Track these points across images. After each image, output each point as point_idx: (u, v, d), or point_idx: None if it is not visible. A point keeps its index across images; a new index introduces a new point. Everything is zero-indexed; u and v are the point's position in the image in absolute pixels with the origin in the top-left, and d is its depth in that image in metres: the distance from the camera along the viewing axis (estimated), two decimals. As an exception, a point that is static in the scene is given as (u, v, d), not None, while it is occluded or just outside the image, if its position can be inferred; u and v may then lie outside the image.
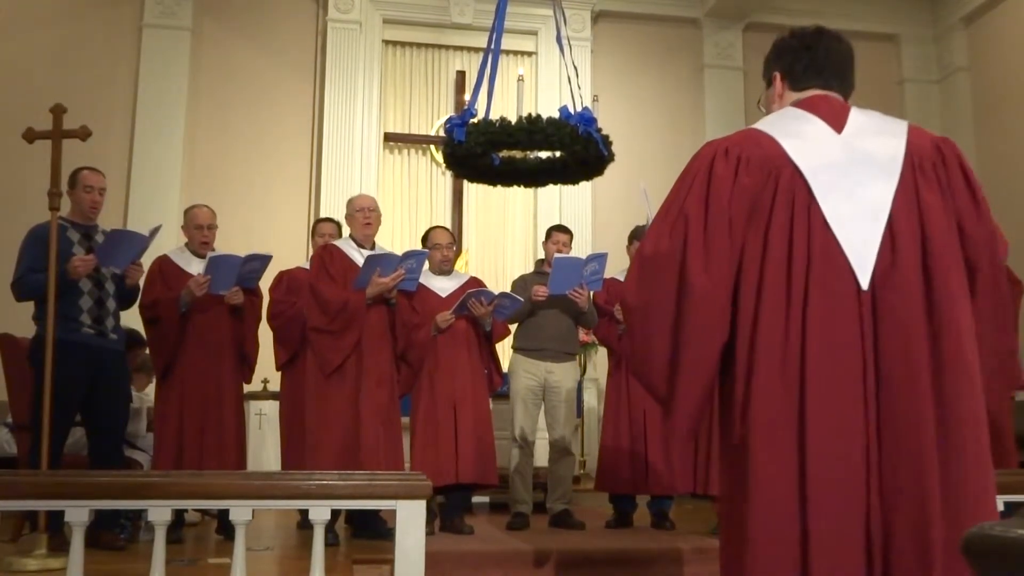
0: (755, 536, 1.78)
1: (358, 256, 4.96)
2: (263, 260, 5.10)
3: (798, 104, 2.04)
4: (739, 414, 1.85)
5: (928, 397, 1.78)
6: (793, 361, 1.80)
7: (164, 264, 5.07)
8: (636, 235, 5.67)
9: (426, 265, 5.33)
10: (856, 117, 2.00)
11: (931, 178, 1.92)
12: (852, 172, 1.90)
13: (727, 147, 1.95)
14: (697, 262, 1.89)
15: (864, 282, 1.82)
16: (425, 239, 5.50)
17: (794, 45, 2.10)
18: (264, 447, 7.10)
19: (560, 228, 5.73)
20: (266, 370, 5.78)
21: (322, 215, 7.44)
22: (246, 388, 5.36)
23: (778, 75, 2.12)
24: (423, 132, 9.04)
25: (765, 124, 2.02)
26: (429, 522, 4.29)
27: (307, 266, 5.40)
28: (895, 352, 1.79)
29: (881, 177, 1.89)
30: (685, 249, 1.90)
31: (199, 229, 5.12)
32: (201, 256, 5.04)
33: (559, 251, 5.50)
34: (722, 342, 1.90)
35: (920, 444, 1.76)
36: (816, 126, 1.97)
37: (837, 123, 1.97)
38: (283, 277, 5.39)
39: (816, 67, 2.07)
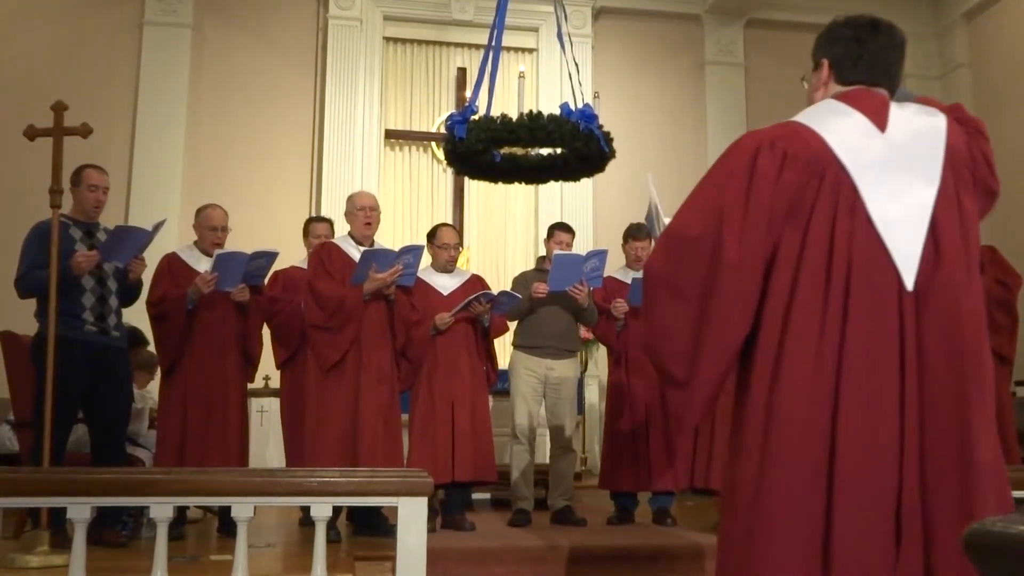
0: (774, 527, 1.78)
1: (356, 254, 4.95)
2: (269, 257, 5.10)
3: (840, 97, 2.03)
4: (764, 404, 1.85)
5: (974, 392, 1.83)
6: (829, 355, 1.81)
7: (173, 262, 5.08)
8: (631, 233, 5.65)
9: (428, 261, 5.32)
10: (897, 113, 1.99)
11: (966, 180, 1.95)
12: (895, 173, 1.91)
13: (772, 140, 1.94)
14: (732, 244, 1.89)
15: (909, 283, 1.84)
16: (432, 236, 5.45)
17: (847, 36, 2.08)
18: (265, 444, 7.11)
19: (563, 227, 5.68)
20: (267, 367, 5.79)
21: (323, 212, 7.45)
22: (248, 385, 5.36)
23: (826, 62, 2.10)
24: (424, 129, 9.04)
25: (807, 118, 2.01)
26: (430, 519, 4.30)
27: (303, 265, 5.39)
28: (941, 351, 1.82)
29: (924, 180, 1.91)
30: (720, 235, 1.90)
31: (213, 230, 5.12)
32: (210, 255, 5.04)
33: (561, 250, 5.47)
34: (748, 325, 1.91)
35: (968, 438, 1.80)
36: (859, 122, 1.97)
37: (879, 120, 1.97)
38: (279, 276, 5.38)
39: (865, 64, 2.06)
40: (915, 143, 1.95)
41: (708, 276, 1.91)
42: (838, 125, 1.96)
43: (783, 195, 1.90)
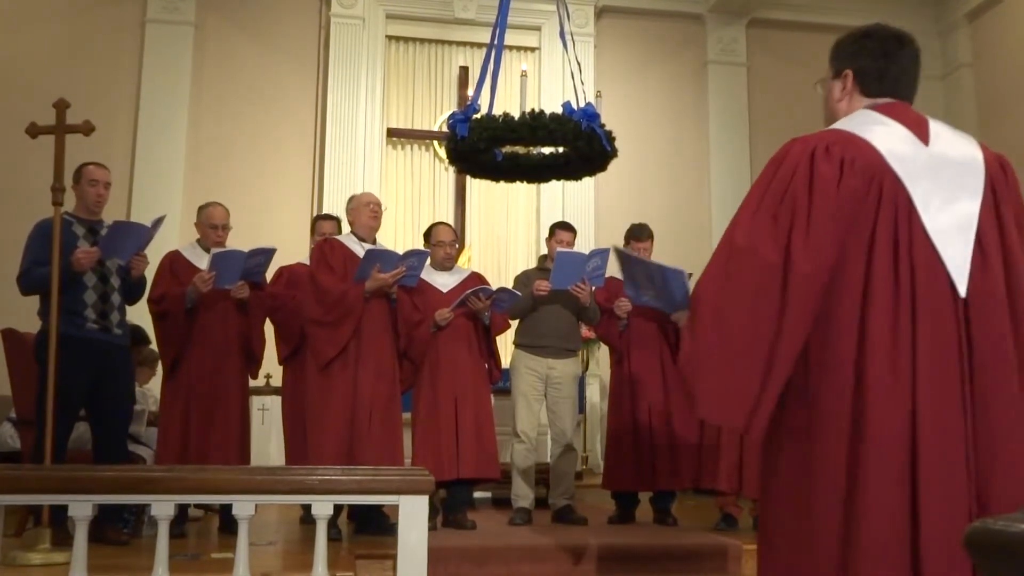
0: (873, 537, 1.82)
1: (359, 249, 4.95)
2: (267, 254, 5.11)
3: (878, 109, 2.06)
4: (848, 413, 1.88)
5: (1018, 387, 1.91)
6: (904, 364, 1.87)
7: (175, 260, 5.11)
8: (633, 234, 5.63)
9: (428, 260, 5.33)
10: (937, 129, 2.04)
11: (1003, 193, 2.02)
12: (943, 185, 1.96)
13: (826, 145, 1.96)
14: (801, 256, 1.89)
15: (962, 290, 1.90)
16: (428, 235, 5.48)
17: (873, 49, 2.10)
18: (267, 442, 7.11)
19: (565, 226, 5.69)
20: (269, 365, 5.78)
21: (325, 211, 7.45)
22: (250, 383, 5.36)
23: (851, 73, 2.12)
24: (426, 128, 9.03)
25: (850, 125, 2.02)
26: (431, 517, 4.31)
27: (307, 261, 5.40)
28: (989, 352, 1.90)
29: (969, 191, 1.97)
30: (789, 242, 1.90)
31: (214, 228, 5.14)
32: None
33: (563, 248, 5.47)
34: (809, 332, 1.92)
35: (1013, 425, 1.88)
36: (903, 134, 2.01)
37: (921, 134, 2.02)
38: (283, 272, 5.40)
39: (892, 78, 2.10)
40: (957, 157, 2.01)
41: (782, 292, 1.90)
42: (883, 134, 1.99)
43: (847, 202, 1.91)
